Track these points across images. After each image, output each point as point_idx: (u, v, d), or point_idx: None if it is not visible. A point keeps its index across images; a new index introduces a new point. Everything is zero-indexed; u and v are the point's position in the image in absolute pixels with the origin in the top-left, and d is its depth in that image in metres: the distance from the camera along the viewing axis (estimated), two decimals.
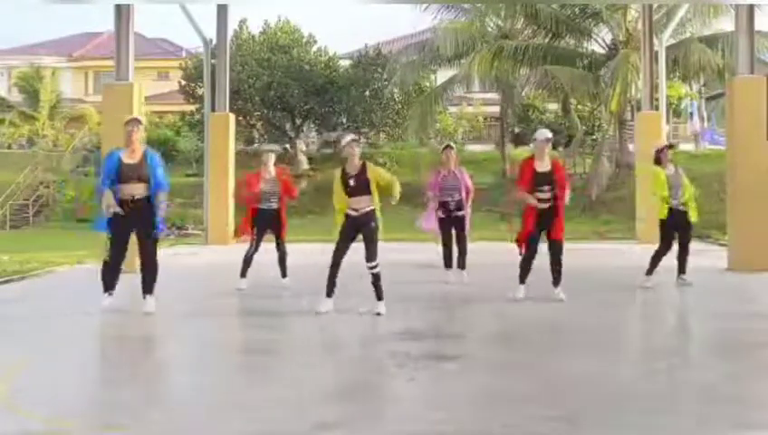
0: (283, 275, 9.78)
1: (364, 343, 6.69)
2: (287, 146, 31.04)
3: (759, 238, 11.28)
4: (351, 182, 7.52)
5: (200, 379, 5.52)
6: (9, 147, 36.15)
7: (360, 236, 7.59)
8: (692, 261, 9.77)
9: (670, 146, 9.88)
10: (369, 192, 7.53)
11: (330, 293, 7.69)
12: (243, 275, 9.67)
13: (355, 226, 7.54)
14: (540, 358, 6.04)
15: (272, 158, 9.78)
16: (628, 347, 6.80)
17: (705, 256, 9.47)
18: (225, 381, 5.42)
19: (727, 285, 9.85)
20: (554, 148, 32.61)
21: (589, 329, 7.47)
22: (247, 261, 9.67)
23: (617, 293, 9.28)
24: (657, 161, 9.62)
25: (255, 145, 31.83)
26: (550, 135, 8.71)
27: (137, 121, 7.88)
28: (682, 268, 9.67)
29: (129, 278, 11.07)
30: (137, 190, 7.66)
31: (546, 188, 8.40)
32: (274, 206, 9.63)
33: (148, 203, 7.69)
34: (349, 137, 7.84)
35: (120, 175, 7.65)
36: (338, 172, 7.70)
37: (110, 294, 7.97)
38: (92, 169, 30.23)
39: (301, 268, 10.01)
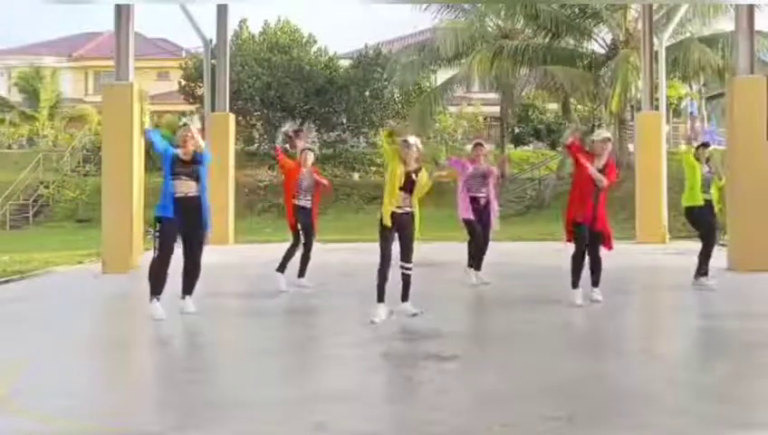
0: (301, 274, 9.65)
1: (364, 343, 6.68)
2: (287, 146, 31.02)
3: (759, 238, 11.27)
4: (414, 177, 7.35)
5: (199, 379, 5.51)
6: (9, 147, 36.16)
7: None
8: (692, 261, 9.75)
9: (705, 145, 9.84)
10: (412, 192, 7.43)
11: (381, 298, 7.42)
12: (280, 269, 9.59)
13: (401, 224, 7.40)
14: (540, 358, 6.04)
15: (311, 156, 9.75)
16: (628, 347, 6.79)
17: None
18: (224, 381, 5.42)
19: (727, 285, 9.83)
20: (553, 148, 32.86)
21: (588, 329, 7.48)
22: (289, 256, 9.60)
23: (616, 293, 9.27)
24: (696, 156, 9.66)
25: (256, 145, 31.84)
26: (608, 135, 8.70)
27: (186, 126, 7.86)
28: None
29: (129, 279, 11.10)
30: (189, 188, 7.65)
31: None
32: (309, 204, 9.62)
33: (199, 202, 7.69)
34: (412, 137, 7.73)
35: (174, 170, 7.63)
36: (394, 169, 7.36)
37: (158, 299, 7.67)
38: (93, 169, 30.28)
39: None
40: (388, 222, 7.29)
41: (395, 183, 7.32)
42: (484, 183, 9.88)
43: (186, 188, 7.66)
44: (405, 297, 7.53)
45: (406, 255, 7.44)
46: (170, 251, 7.65)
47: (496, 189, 10.18)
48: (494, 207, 9.97)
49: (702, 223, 9.51)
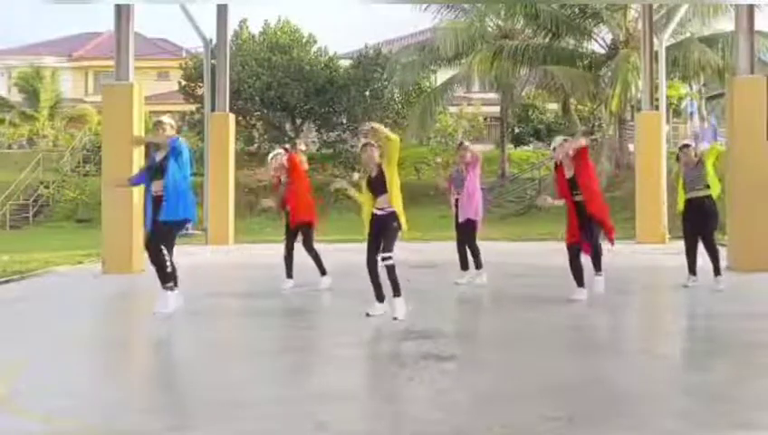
0: (322, 273, 9.67)
1: (363, 343, 6.69)
2: (287, 146, 31.04)
3: (759, 238, 11.27)
4: (378, 180, 7.48)
5: (199, 379, 5.52)
6: (9, 147, 36.18)
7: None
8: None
9: (683, 145, 9.84)
10: (386, 191, 7.46)
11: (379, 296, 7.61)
12: (287, 275, 9.66)
13: (382, 224, 7.48)
14: (540, 358, 6.04)
15: (274, 162, 9.71)
16: (628, 347, 6.79)
17: (706, 255, 9.45)
18: (224, 381, 5.42)
19: (727, 285, 9.83)
20: (553, 148, 32.81)
21: (589, 329, 7.47)
22: (286, 261, 9.65)
23: (616, 293, 9.28)
24: (678, 159, 9.66)
25: (255, 145, 31.84)
26: (560, 140, 8.78)
27: (158, 123, 7.91)
28: (691, 268, 9.52)
29: (129, 279, 11.10)
30: (158, 187, 7.68)
31: (576, 192, 8.42)
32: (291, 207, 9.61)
33: (162, 199, 7.64)
34: (363, 140, 7.85)
35: (149, 175, 7.84)
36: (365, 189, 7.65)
37: (172, 289, 7.72)
38: (93, 169, 30.28)
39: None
40: (366, 229, 7.49)
41: (367, 195, 7.53)
42: (463, 183, 9.81)
43: (157, 187, 7.72)
44: (396, 291, 7.44)
45: (385, 246, 7.40)
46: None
47: (480, 179, 9.97)
48: (477, 198, 9.76)
49: (686, 223, 9.55)
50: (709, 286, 9.31)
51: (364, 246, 7.55)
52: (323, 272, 9.67)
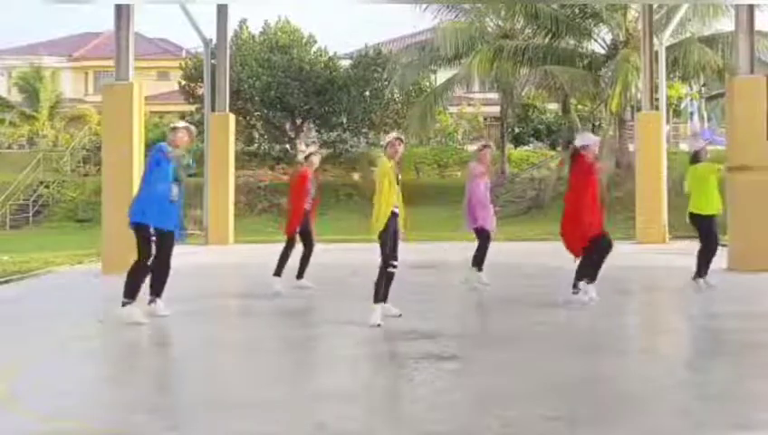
0: (300, 275, 9.57)
1: (363, 343, 6.68)
2: (287, 146, 31.05)
3: (759, 238, 11.26)
4: (399, 177, 7.35)
5: (199, 379, 5.52)
6: (9, 147, 36.16)
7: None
8: (692, 261, 9.74)
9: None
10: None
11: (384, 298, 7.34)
12: (277, 273, 9.52)
13: (395, 222, 7.32)
14: (540, 358, 6.04)
15: (317, 158, 9.69)
16: (628, 347, 6.80)
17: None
18: (224, 382, 5.42)
19: (727, 285, 9.83)
20: (553, 148, 32.85)
21: (588, 329, 7.47)
22: (285, 259, 9.47)
23: (616, 293, 9.28)
24: (697, 160, 9.58)
25: (256, 145, 31.84)
26: (595, 139, 8.72)
27: (181, 129, 7.75)
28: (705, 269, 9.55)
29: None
30: (174, 193, 7.60)
31: None
32: (309, 207, 9.53)
33: (177, 206, 7.62)
34: (394, 133, 7.63)
35: (174, 174, 7.61)
36: (386, 167, 7.31)
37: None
38: (93, 169, 30.28)
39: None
40: (383, 225, 7.18)
41: (392, 183, 7.22)
42: (487, 187, 9.77)
43: (175, 192, 7.61)
44: (377, 299, 7.32)
45: (396, 251, 7.33)
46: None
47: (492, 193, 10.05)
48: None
49: (713, 231, 9.50)
50: (692, 286, 9.44)
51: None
52: (302, 277, 9.63)
